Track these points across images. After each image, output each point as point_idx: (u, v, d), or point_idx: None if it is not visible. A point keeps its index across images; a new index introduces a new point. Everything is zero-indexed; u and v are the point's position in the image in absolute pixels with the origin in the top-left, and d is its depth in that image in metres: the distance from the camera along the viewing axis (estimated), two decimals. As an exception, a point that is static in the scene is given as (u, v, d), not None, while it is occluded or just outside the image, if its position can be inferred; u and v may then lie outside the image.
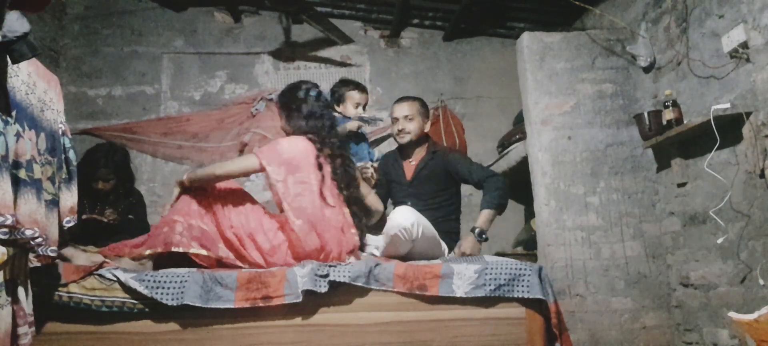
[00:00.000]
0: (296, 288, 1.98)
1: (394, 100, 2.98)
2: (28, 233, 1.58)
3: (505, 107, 4.63)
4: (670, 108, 3.00)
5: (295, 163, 2.23)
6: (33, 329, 1.70)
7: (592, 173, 3.43)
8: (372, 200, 2.53)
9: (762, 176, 2.52)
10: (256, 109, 4.49)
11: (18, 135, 1.58)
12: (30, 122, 1.68)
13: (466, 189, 2.91)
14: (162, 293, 1.94)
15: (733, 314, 2.12)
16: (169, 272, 2.02)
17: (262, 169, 2.22)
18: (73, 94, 4.39)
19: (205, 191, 2.25)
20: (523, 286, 2.06)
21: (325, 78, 4.70)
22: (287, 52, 4.71)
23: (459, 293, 2.05)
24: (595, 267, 3.32)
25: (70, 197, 1.98)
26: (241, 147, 4.36)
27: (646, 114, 3.22)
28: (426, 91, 4.57)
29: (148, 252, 2.20)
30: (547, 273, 2.12)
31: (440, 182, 2.78)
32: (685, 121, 2.94)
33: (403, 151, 2.91)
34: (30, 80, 1.71)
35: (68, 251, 2.06)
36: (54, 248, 1.79)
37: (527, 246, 4.00)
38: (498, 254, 3.33)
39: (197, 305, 1.94)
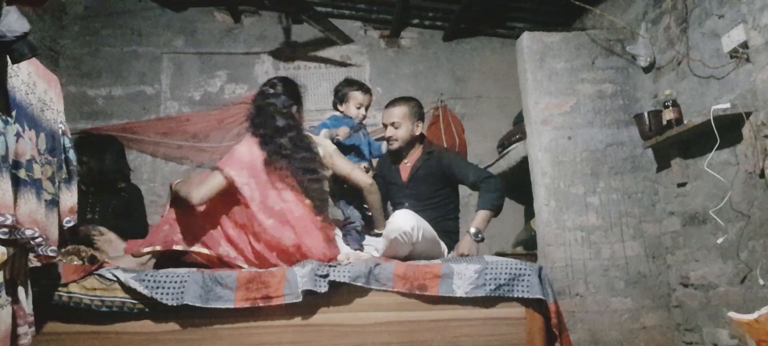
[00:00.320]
0: (296, 288, 1.98)
1: (385, 105, 2.97)
2: (28, 233, 1.59)
3: (505, 107, 4.63)
4: (670, 108, 3.00)
5: (253, 165, 2.23)
6: (33, 329, 1.70)
7: (592, 173, 3.43)
8: (356, 175, 2.47)
9: (762, 175, 2.52)
10: (256, 110, 4.48)
11: (18, 135, 1.58)
12: (30, 122, 1.68)
13: (464, 188, 2.90)
14: (162, 293, 1.94)
15: (733, 314, 2.12)
16: (169, 272, 2.02)
17: (229, 180, 2.18)
18: (73, 94, 4.39)
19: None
20: (523, 286, 2.06)
21: (325, 78, 4.70)
22: (287, 52, 4.71)
23: (459, 293, 2.05)
24: (595, 267, 3.32)
25: (70, 197, 1.98)
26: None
27: (646, 114, 3.22)
28: (426, 91, 4.58)
29: (146, 250, 2.21)
30: (547, 273, 2.12)
31: (436, 182, 2.77)
32: (685, 121, 2.94)
33: (394, 155, 2.89)
34: (30, 80, 1.71)
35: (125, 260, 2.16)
36: (54, 247, 1.79)
37: (527, 246, 4.00)
38: (498, 254, 3.33)
39: (197, 305, 1.94)
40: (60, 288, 1.94)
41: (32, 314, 1.70)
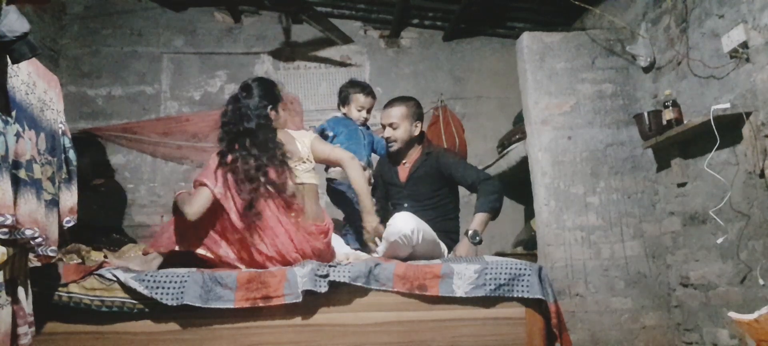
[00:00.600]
0: (296, 288, 1.97)
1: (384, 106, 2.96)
2: (28, 232, 1.59)
3: (505, 107, 4.63)
4: (670, 108, 3.00)
5: (223, 174, 2.20)
6: (33, 329, 1.70)
7: (592, 173, 3.43)
8: (337, 154, 2.43)
9: (762, 175, 2.52)
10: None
11: (18, 135, 1.58)
12: (30, 122, 1.68)
13: (464, 189, 2.90)
14: (162, 293, 1.94)
15: (733, 314, 2.12)
16: (169, 272, 2.02)
17: (212, 192, 2.17)
18: (73, 94, 4.39)
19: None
20: (522, 286, 2.06)
21: (325, 78, 4.70)
22: (287, 52, 4.71)
23: (459, 292, 2.04)
24: (595, 267, 3.32)
25: (70, 197, 1.98)
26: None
27: (646, 114, 3.22)
28: (426, 91, 4.58)
29: (151, 251, 2.22)
30: (547, 273, 2.12)
31: (435, 182, 2.76)
32: (685, 121, 2.94)
33: (393, 155, 2.88)
34: (30, 80, 1.71)
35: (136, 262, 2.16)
36: (54, 248, 1.79)
37: (527, 246, 4.00)
38: (498, 254, 3.33)
39: (197, 305, 1.94)
40: (60, 288, 1.94)
41: (32, 314, 1.71)
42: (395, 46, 4.81)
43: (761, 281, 2.52)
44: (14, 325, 1.56)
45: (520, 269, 2.08)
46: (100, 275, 1.98)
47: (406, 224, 2.29)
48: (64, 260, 2.23)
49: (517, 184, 4.07)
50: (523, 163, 3.73)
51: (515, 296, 2.06)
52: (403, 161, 2.85)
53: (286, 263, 2.16)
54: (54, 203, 1.84)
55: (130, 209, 4.36)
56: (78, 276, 1.97)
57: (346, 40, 4.52)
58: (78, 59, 4.54)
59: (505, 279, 2.06)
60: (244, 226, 2.16)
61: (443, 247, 2.60)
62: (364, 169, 2.77)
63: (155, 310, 1.97)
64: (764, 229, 2.55)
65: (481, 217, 2.56)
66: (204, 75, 4.63)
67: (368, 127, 3.10)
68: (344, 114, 3.04)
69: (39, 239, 1.63)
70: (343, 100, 3.03)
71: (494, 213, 2.61)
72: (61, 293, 1.94)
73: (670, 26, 3.18)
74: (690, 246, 3.09)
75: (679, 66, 3.11)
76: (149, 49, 4.62)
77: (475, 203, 2.64)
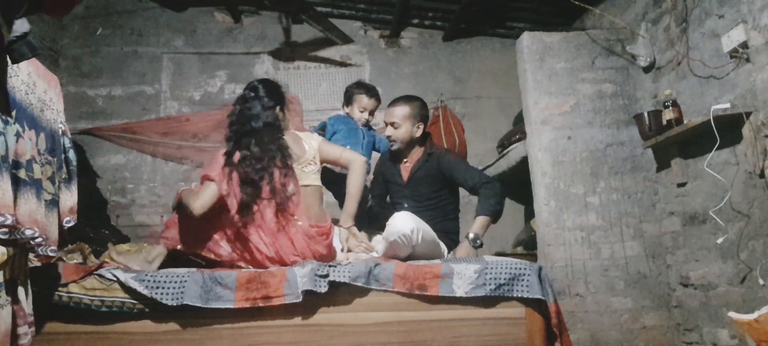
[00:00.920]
0: (296, 288, 1.98)
1: (388, 103, 2.96)
2: (28, 232, 1.59)
3: (505, 107, 4.63)
4: (670, 108, 3.00)
5: (229, 171, 2.21)
6: (33, 329, 1.70)
7: (592, 173, 3.43)
8: (347, 156, 2.44)
9: (762, 175, 2.53)
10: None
11: (18, 135, 1.58)
12: (30, 122, 1.69)
13: (464, 190, 2.90)
14: (162, 293, 1.94)
15: (733, 314, 2.12)
16: (169, 272, 2.02)
17: (219, 188, 2.18)
18: (73, 94, 4.39)
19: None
20: (522, 286, 2.06)
21: (325, 78, 4.70)
22: (287, 52, 4.71)
23: (459, 292, 2.04)
24: (595, 267, 3.32)
25: (70, 197, 1.99)
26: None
27: (646, 114, 3.22)
28: (426, 91, 4.57)
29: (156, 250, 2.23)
30: (546, 273, 2.12)
31: (435, 183, 2.75)
32: (685, 121, 2.94)
33: (395, 154, 2.88)
34: (30, 80, 1.71)
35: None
36: (54, 247, 1.79)
37: (527, 246, 4.00)
38: (498, 254, 3.33)
39: (197, 305, 1.94)
40: (60, 288, 1.94)
41: (32, 314, 1.71)
42: (395, 46, 4.81)
43: (761, 281, 2.52)
44: (14, 325, 1.56)
45: (520, 269, 2.08)
46: (100, 275, 1.98)
47: (405, 223, 2.29)
48: (65, 259, 2.23)
49: (517, 184, 4.07)
50: (523, 163, 3.73)
51: (515, 296, 2.06)
52: (405, 160, 2.85)
53: (284, 265, 2.17)
54: (54, 203, 1.84)
55: (130, 209, 4.36)
56: (78, 276, 1.97)
57: (346, 40, 4.52)
58: (78, 59, 4.54)
59: (505, 279, 2.06)
60: (244, 225, 2.17)
61: (443, 247, 2.60)
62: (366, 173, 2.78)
63: (155, 310, 1.97)
64: (764, 229, 2.55)
65: (481, 220, 2.56)
66: (204, 75, 4.63)
67: (370, 128, 3.10)
68: (347, 113, 3.06)
69: (39, 239, 1.63)
70: (348, 99, 3.06)
71: (495, 216, 2.60)
72: (61, 293, 1.94)
73: (670, 26, 3.18)
74: (690, 246, 3.09)
75: (679, 66, 3.11)
76: (149, 49, 4.62)
77: (477, 205, 2.63)
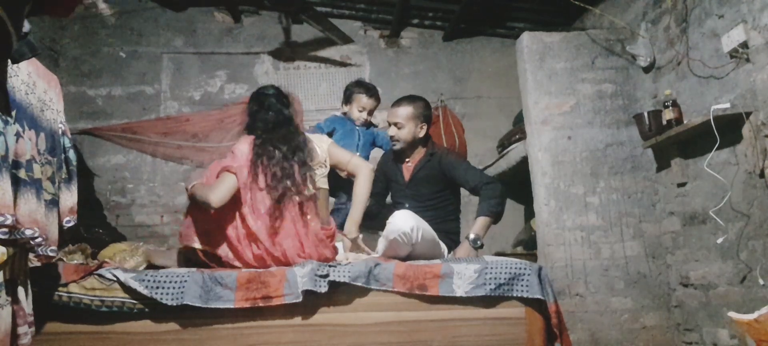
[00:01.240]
0: (296, 288, 1.98)
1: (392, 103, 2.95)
2: (28, 232, 1.58)
3: (505, 107, 4.63)
4: (670, 108, 3.00)
5: (248, 164, 2.21)
6: (33, 329, 1.70)
7: (592, 173, 3.43)
8: (356, 162, 2.46)
9: (762, 175, 2.53)
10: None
11: (18, 135, 1.58)
12: (30, 122, 1.68)
13: (465, 190, 2.90)
14: (162, 293, 1.94)
15: (733, 314, 2.12)
16: (168, 272, 2.02)
17: (238, 179, 2.17)
18: (73, 94, 4.39)
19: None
20: (522, 285, 2.06)
21: (325, 78, 4.70)
22: (287, 52, 4.71)
23: (459, 292, 2.04)
24: (595, 267, 3.32)
25: (70, 197, 1.98)
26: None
27: (646, 114, 3.22)
28: (426, 91, 4.56)
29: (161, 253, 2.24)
30: (546, 273, 2.12)
31: (437, 183, 2.76)
32: (685, 121, 2.94)
33: (397, 153, 2.88)
34: (30, 80, 1.71)
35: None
36: (54, 247, 1.79)
37: (527, 246, 4.00)
38: (498, 254, 3.33)
39: (197, 305, 1.94)
40: (60, 288, 1.94)
41: (32, 314, 1.70)
42: (395, 46, 4.81)
43: (761, 281, 2.52)
44: (14, 325, 1.56)
45: (520, 268, 2.08)
46: (100, 275, 1.98)
47: (405, 222, 2.29)
48: (65, 259, 2.23)
49: (517, 184, 4.07)
50: (523, 164, 3.73)
51: (515, 295, 2.06)
52: (407, 160, 2.86)
53: (288, 265, 2.16)
54: (54, 203, 1.84)
55: (130, 209, 4.37)
56: (78, 276, 1.97)
57: (346, 40, 4.52)
58: (78, 59, 4.54)
59: (505, 279, 2.06)
60: (257, 223, 2.15)
61: (443, 247, 2.60)
62: None
63: (155, 310, 1.97)
64: (764, 229, 2.55)
65: (482, 221, 2.56)
66: (204, 75, 4.63)
67: (369, 126, 3.10)
68: (345, 113, 3.05)
69: (39, 239, 1.63)
70: (347, 98, 3.05)
71: (496, 217, 2.60)
72: (61, 293, 1.94)
73: (670, 26, 3.18)
74: (690, 246, 3.09)
75: (679, 66, 3.11)
76: (149, 49, 4.62)
77: (477, 206, 2.63)
